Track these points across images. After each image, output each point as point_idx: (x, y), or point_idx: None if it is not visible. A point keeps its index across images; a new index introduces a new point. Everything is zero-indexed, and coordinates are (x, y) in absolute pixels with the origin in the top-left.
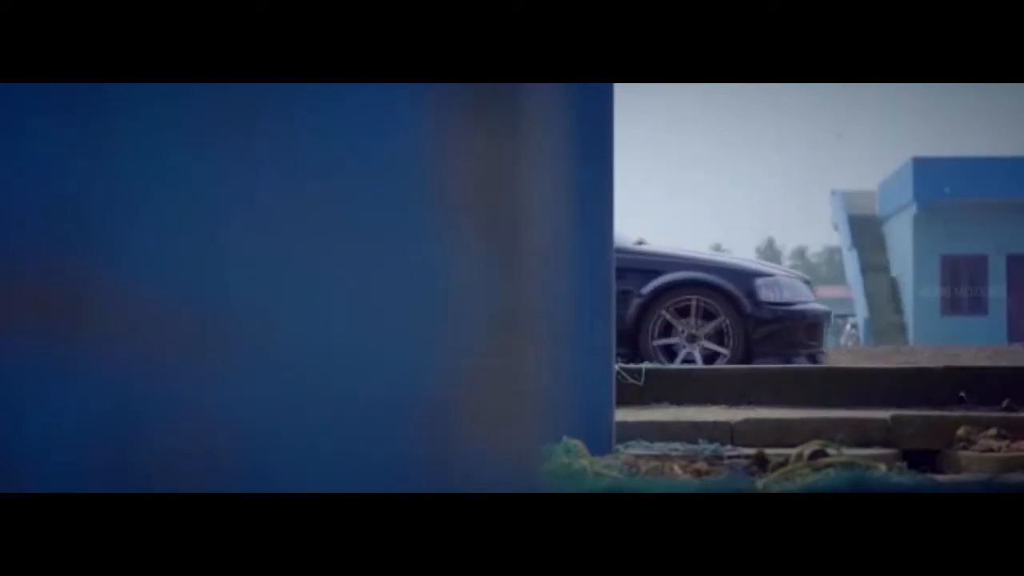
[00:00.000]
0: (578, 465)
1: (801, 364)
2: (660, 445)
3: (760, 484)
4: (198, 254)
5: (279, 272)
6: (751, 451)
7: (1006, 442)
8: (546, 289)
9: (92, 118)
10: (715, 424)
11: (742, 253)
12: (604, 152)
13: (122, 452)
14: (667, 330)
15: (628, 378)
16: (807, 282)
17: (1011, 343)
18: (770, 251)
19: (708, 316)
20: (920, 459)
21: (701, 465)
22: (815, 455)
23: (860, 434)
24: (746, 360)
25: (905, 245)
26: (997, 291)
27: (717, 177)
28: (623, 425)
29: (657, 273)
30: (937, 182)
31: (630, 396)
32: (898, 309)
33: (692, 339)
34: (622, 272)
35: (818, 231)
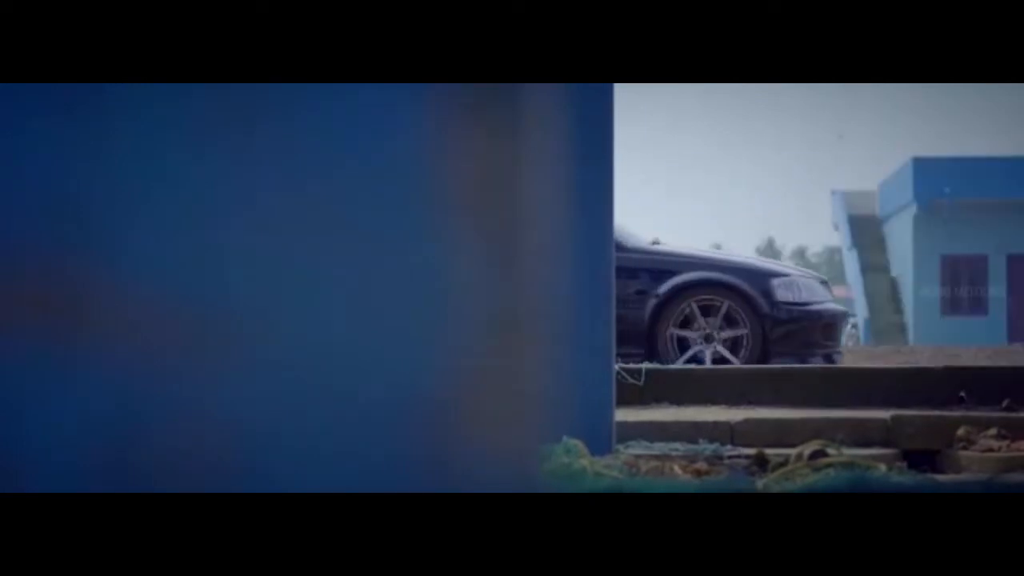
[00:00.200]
0: (578, 465)
1: (816, 364)
2: (660, 445)
3: (760, 484)
4: (198, 254)
5: (279, 272)
6: (751, 451)
7: (1006, 442)
8: (546, 289)
9: (92, 118)
10: (715, 424)
11: (742, 253)
12: (604, 152)
13: (122, 452)
14: (684, 327)
15: (628, 378)
16: (823, 282)
17: (1011, 343)
18: (770, 251)
19: (725, 317)
20: (920, 459)
21: (701, 465)
22: (815, 455)
23: (860, 434)
24: (762, 361)
25: (905, 245)
26: (997, 291)
27: (717, 177)
28: (623, 425)
29: (673, 273)
30: (937, 182)
31: (630, 396)
32: (898, 309)
33: (708, 339)
34: (638, 272)
35: (818, 231)
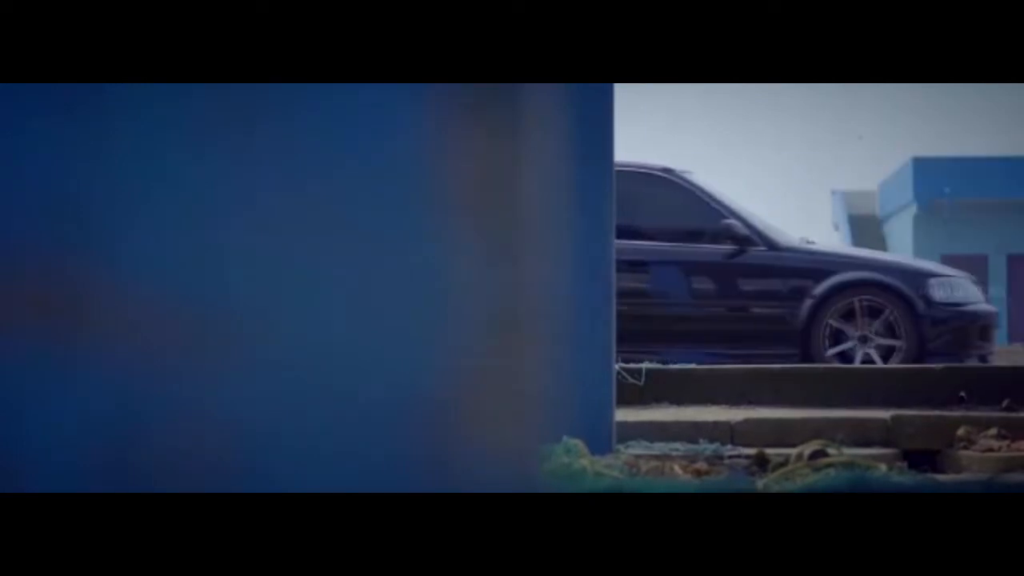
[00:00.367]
0: (578, 465)
1: (974, 364)
2: (660, 445)
3: (760, 484)
4: (198, 254)
5: (279, 272)
6: (751, 451)
7: (1006, 442)
8: (546, 289)
9: (92, 118)
10: (715, 424)
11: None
12: (604, 152)
13: (122, 452)
14: (838, 332)
15: (628, 378)
16: (975, 282)
17: (1011, 343)
18: None
19: (879, 316)
20: (920, 459)
21: (701, 465)
22: (815, 455)
23: (860, 434)
24: (920, 361)
25: (905, 245)
26: (997, 291)
27: (717, 177)
28: (623, 425)
29: (829, 273)
30: (937, 182)
31: (630, 396)
32: None
33: (864, 340)
34: (792, 271)
35: (818, 231)
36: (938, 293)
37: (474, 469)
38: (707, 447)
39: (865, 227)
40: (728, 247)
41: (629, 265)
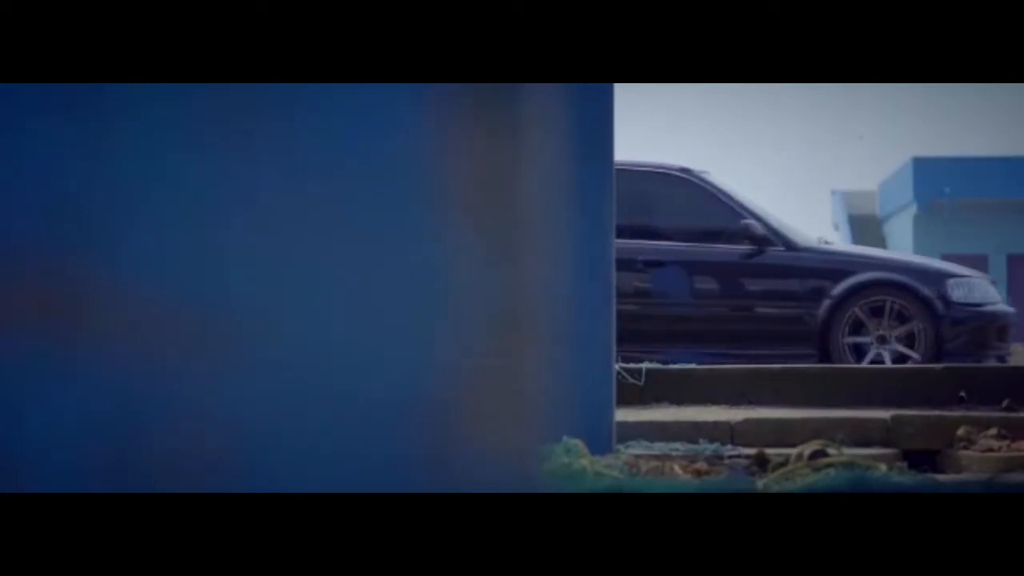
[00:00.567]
0: (578, 465)
1: (995, 364)
2: (660, 445)
3: (760, 484)
4: (198, 254)
5: (279, 272)
6: (751, 451)
7: (1006, 442)
8: (546, 289)
9: (92, 118)
10: (715, 424)
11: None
12: (604, 152)
13: (122, 452)
14: (857, 329)
15: (628, 378)
16: (993, 283)
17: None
18: None
19: (899, 317)
20: (920, 459)
21: (701, 465)
22: (815, 455)
23: (860, 434)
24: (937, 361)
25: (905, 245)
26: (997, 291)
27: (717, 177)
28: (623, 425)
29: (848, 273)
30: (937, 182)
31: (630, 396)
32: None
33: (883, 340)
34: (810, 272)
35: (818, 231)
36: (957, 293)
37: (474, 469)
38: (707, 447)
39: (865, 227)
40: (746, 247)
41: (647, 265)
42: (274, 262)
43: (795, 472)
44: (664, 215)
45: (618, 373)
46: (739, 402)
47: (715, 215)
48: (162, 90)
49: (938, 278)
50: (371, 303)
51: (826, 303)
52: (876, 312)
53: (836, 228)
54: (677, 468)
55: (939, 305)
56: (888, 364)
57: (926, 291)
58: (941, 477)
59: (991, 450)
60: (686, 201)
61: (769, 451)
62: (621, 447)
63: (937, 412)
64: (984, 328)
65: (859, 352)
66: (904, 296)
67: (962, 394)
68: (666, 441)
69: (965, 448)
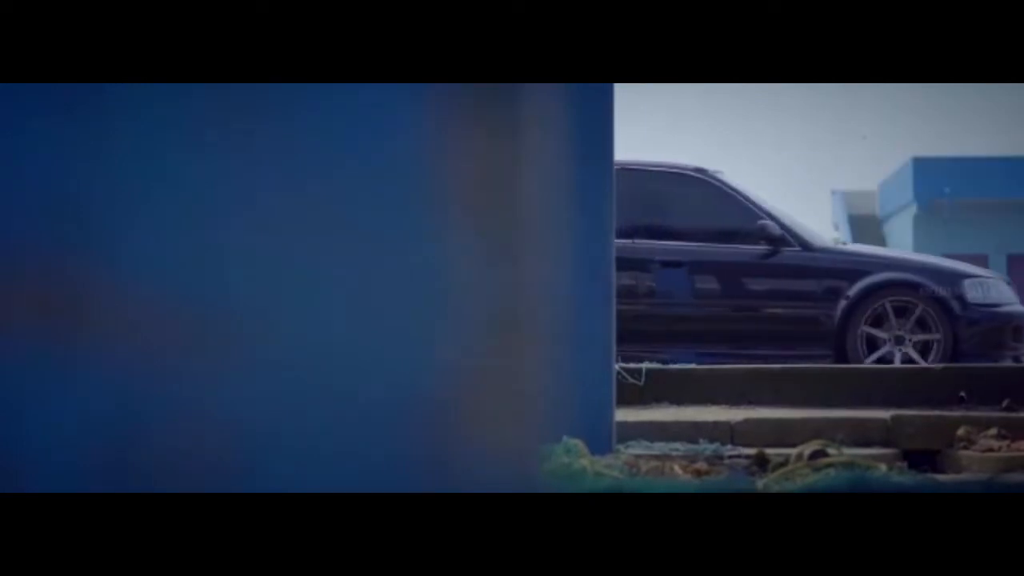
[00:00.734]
0: (578, 465)
1: (1009, 365)
2: (660, 445)
3: (760, 484)
4: (198, 254)
5: (279, 272)
6: (751, 451)
7: (1006, 442)
8: (546, 289)
9: (92, 118)
10: (715, 424)
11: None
12: (604, 152)
13: (122, 452)
14: (873, 338)
15: (628, 378)
16: (1009, 283)
17: None
18: None
19: (917, 319)
20: (920, 459)
21: (701, 465)
22: (815, 455)
23: (860, 434)
24: (954, 361)
25: (905, 245)
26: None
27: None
28: (623, 425)
29: (863, 274)
30: (937, 182)
31: (630, 396)
32: None
33: (899, 340)
34: (826, 272)
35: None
36: (972, 294)
37: (474, 469)
38: (707, 447)
39: (865, 227)
40: (762, 247)
41: (663, 265)
42: (274, 262)
43: (795, 472)
44: (679, 215)
45: (618, 373)
46: (739, 402)
47: (731, 215)
48: (162, 90)
49: (954, 278)
50: (371, 303)
51: (842, 304)
52: (894, 312)
53: (836, 228)
54: (677, 468)
55: (955, 305)
56: (897, 364)
57: (942, 291)
58: (941, 477)
59: (991, 450)
60: (701, 201)
61: (769, 451)
62: (621, 447)
63: (937, 412)
64: (1000, 329)
65: (873, 350)
66: (920, 296)
67: (962, 394)
68: (666, 441)
69: (965, 448)
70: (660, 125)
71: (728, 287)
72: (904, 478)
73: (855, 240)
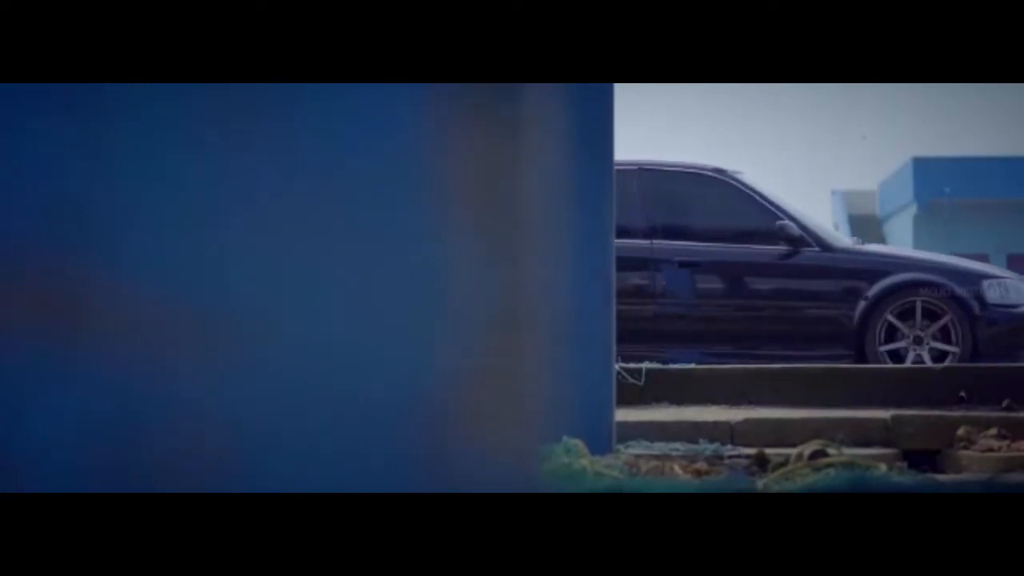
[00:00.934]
0: (578, 465)
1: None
2: (660, 445)
3: (760, 484)
4: (198, 254)
5: (279, 272)
6: (751, 451)
7: (1006, 442)
8: (546, 289)
9: (92, 118)
10: (715, 424)
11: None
12: (604, 152)
13: (122, 452)
14: (892, 333)
15: (628, 378)
16: None
17: None
18: None
19: (934, 318)
20: (920, 459)
21: (701, 465)
22: (815, 455)
23: (860, 434)
24: (974, 361)
25: (905, 245)
26: None
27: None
28: (623, 425)
29: (884, 274)
30: (937, 182)
31: (630, 396)
32: None
33: (918, 341)
34: (845, 273)
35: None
36: (992, 294)
37: (474, 469)
38: (707, 447)
39: (865, 227)
40: (781, 248)
41: (681, 265)
42: (274, 262)
43: (795, 472)
44: (698, 215)
45: (618, 373)
46: (739, 402)
47: (750, 216)
48: (162, 90)
49: (974, 279)
50: (371, 303)
51: (862, 304)
52: (911, 313)
53: (836, 228)
54: (677, 468)
55: (975, 306)
56: (928, 364)
57: (962, 292)
58: (941, 477)
59: (991, 450)
60: (720, 202)
61: (769, 451)
62: (621, 447)
63: (937, 412)
64: (1019, 329)
65: (893, 352)
66: (940, 296)
67: (962, 394)
68: (666, 441)
69: (965, 448)
70: (660, 125)
71: (747, 288)
72: (904, 478)
73: None
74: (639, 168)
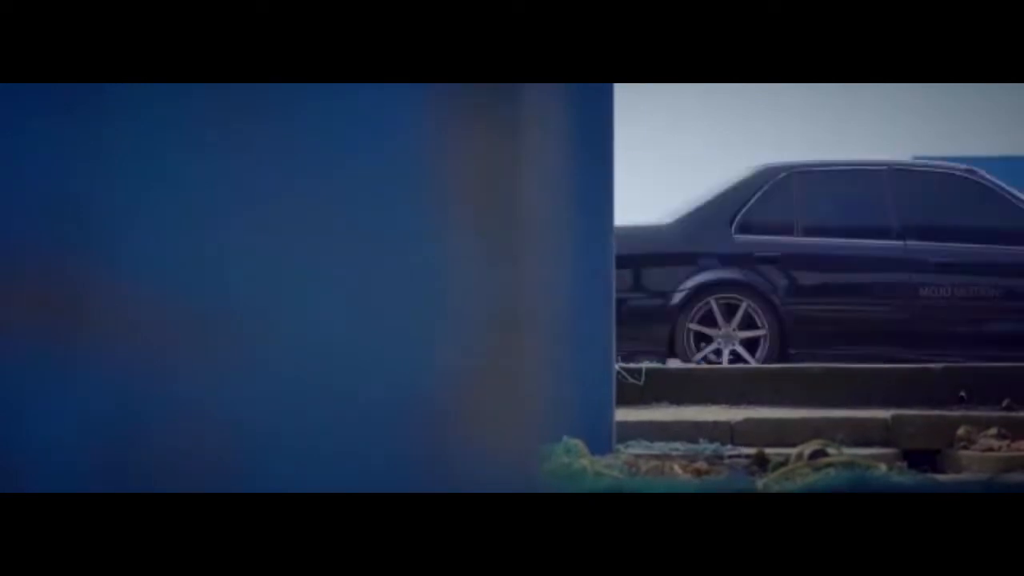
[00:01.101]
0: (578, 465)
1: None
2: (660, 445)
3: (760, 484)
4: (198, 254)
5: (279, 272)
6: (751, 451)
7: (1006, 442)
8: (546, 289)
9: (92, 118)
10: (715, 424)
11: None
12: (604, 152)
13: (122, 452)
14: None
15: (628, 378)
16: None
17: None
18: None
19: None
20: (920, 459)
21: (701, 465)
22: (815, 455)
23: (860, 434)
24: None
25: None
26: None
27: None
28: (623, 425)
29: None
30: None
31: (630, 396)
32: None
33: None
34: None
35: None
36: None
37: (474, 469)
38: (707, 447)
39: None
40: None
41: (937, 267)
42: (274, 262)
43: (795, 472)
44: (952, 216)
45: (618, 373)
46: (739, 402)
47: (1004, 215)
48: (162, 90)
49: None
50: (371, 303)
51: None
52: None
53: None
54: (677, 468)
55: None
56: None
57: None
58: (941, 477)
59: (991, 450)
60: (974, 202)
61: (769, 451)
62: (621, 447)
63: (937, 412)
64: None
65: None
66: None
67: (962, 394)
68: (666, 441)
69: (965, 448)
70: (660, 125)
71: (1008, 290)
72: (904, 478)
73: None
74: (889, 168)
